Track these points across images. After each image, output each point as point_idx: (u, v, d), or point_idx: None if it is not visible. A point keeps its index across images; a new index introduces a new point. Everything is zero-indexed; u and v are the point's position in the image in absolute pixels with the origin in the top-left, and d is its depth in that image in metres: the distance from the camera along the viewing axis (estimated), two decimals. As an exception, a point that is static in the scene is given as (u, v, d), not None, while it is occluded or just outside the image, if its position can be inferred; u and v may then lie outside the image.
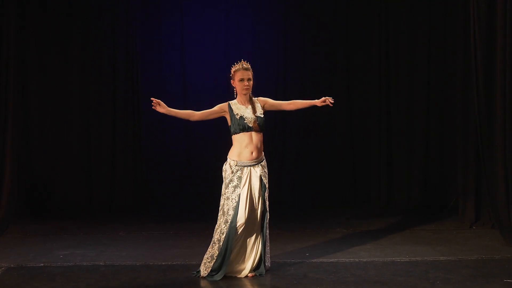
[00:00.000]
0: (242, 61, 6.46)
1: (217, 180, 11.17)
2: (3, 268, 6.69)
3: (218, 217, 6.37)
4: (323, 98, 6.46)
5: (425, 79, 10.41)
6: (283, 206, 9.90)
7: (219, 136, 11.25)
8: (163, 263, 6.89)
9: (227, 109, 6.43)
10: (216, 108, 6.49)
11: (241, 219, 6.22)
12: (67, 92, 10.56)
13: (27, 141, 10.40)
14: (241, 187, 6.29)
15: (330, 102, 6.42)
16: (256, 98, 6.51)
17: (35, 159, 10.45)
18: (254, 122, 6.33)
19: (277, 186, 9.64)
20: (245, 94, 6.40)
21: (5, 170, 9.19)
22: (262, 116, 6.41)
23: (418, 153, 10.46)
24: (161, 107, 6.45)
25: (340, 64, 11.30)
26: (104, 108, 10.62)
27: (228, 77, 11.07)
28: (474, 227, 8.85)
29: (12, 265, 6.82)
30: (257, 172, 6.34)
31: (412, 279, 6.09)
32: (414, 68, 10.49)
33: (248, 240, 6.34)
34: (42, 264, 6.86)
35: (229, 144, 11.20)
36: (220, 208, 6.40)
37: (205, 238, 8.26)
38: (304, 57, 11.32)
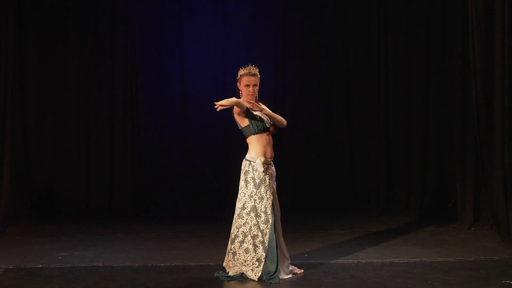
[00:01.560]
0: (250, 66, 6.42)
1: (215, 182, 11.26)
2: (1, 269, 6.69)
3: (246, 220, 6.23)
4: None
5: (424, 82, 10.40)
6: (281, 208, 9.88)
7: (218, 138, 11.28)
8: (162, 264, 6.89)
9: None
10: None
11: (278, 214, 6.31)
12: (65, 94, 10.54)
13: (26, 144, 10.41)
14: (271, 185, 6.32)
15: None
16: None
17: (34, 161, 10.44)
18: (271, 125, 6.41)
19: (276, 188, 9.64)
20: (250, 100, 6.38)
21: (4, 171, 9.18)
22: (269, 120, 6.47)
23: (417, 155, 10.45)
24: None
25: (339, 68, 11.30)
26: (102, 110, 10.60)
27: (226, 79, 11.17)
28: (472, 229, 8.87)
29: (10, 266, 6.81)
30: (273, 170, 6.39)
31: (411, 281, 6.09)
32: (413, 70, 10.49)
33: (280, 237, 6.36)
34: (40, 266, 6.85)
35: (228, 146, 11.27)
36: (248, 210, 6.24)
37: (203, 240, 8.29)
38: (303, 60, 11.32)
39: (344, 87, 11.29)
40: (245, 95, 6.37)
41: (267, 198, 6.24)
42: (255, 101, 6.40)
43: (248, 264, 6.20)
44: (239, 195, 6.35)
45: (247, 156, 6.39)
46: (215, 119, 11.34)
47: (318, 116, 11.23)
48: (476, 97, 8.04)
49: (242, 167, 6.40)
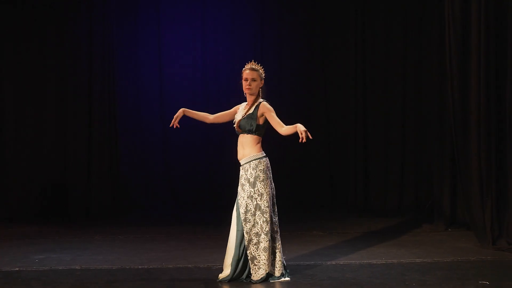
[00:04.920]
0: (252, 62, 6.46)
1: (193, 184, 11.25)
2: (-23, 273, 6.64)
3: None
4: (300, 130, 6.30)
5: (401, 83, 10.49)
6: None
7: (196, 140, 11.26)
8: (140, 266, 6.86)
9: (237, 111, 6.48)
10: (232, 109, 6.54)
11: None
12: (42, 96, 10.49)
13: (2, 146, 10.38)
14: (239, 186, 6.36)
15: (306, 136, 6.26)
16: (262, 102, 6.42)
17: (10, 164, 10.38)
18: (237, 123, 6.33)
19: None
20: (250, 94, 6.39)
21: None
22: (245, 118, 6.31)
23: (394, 157, 10.52)
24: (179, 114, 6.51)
25: (317, 69, 11.34)
26: (80, 111, 10.53)
27: (204, 79, 11.20)
28: (449, 230, 8.92)
29: (-14, 270, 6.76)
30: (240, 173, 6.35)
31: (388, 281, 6.12)
32: (390, 72, 10.58)
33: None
34: (17, 269, 6.79)
35: (207, 148, 11.26)
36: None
37: (181, 242, 8.27)
38: (281, 60, 11.34)
39: (322, 88, 11.32)
40: (243, 90, 6.40)
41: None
42: (255, 99, 6.40)
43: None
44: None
45: None
46: (193, 121, 11.32)
47: (295, 116, 11.19)
48: (452, 98, 8.09)
49: None
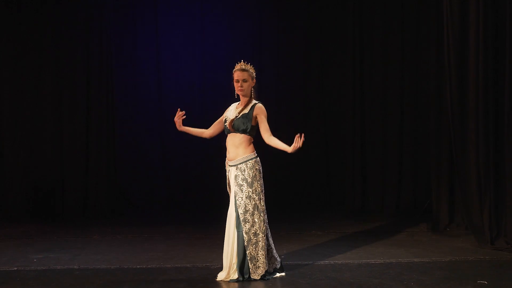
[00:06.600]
0: (241, 62, 6.40)
1: (191, 184, 11.24)
2: (-25, 272, 6.63)
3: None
4: (294, 144, 6.22)
5: (399, 84, 10.47)
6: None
7: (194, 140, 11.24)
8: (138, 266, 6.86)
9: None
10: (222, 116, 6.52)
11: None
12: (40, 95, 10.47)
13: (0, 146, 10.35)
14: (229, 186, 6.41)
15: (300, 142, 6.16)
16: (258, 103, 6.35)
17: (8, 164, 10.37)
18: (230, 123, 6.30)
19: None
20: (242, 96, 6.37)
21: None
22: (240, 117, 6.25)
23: (392, 156, 10.51)
24: (178, 124, 6.54)
25: (315, 70, 11.35)
26: (77, 110, 10.53)
27: (203, 79, 11.17)
28: (447, 229, 8.92)
29: (-15, 269, 6.76)
30: (232, 173, 6.33)
31: (387, 281, 6.12)
32: (388, 73, 10.55)
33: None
34: (15, 268, 6.79)
35: (205, 148, 11.28)
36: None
37: (179, 241, 8.26)
38: (279, 60, 11.36)
39: (320, 88, 11.34)
40: (236, 91, 6.38)
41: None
42: (248, 99, 6.35)
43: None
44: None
45: None
46: (191, 120, 11.33)
47: (293, 116, 11.25)
48: (450, 99, 8.10)
49: None
